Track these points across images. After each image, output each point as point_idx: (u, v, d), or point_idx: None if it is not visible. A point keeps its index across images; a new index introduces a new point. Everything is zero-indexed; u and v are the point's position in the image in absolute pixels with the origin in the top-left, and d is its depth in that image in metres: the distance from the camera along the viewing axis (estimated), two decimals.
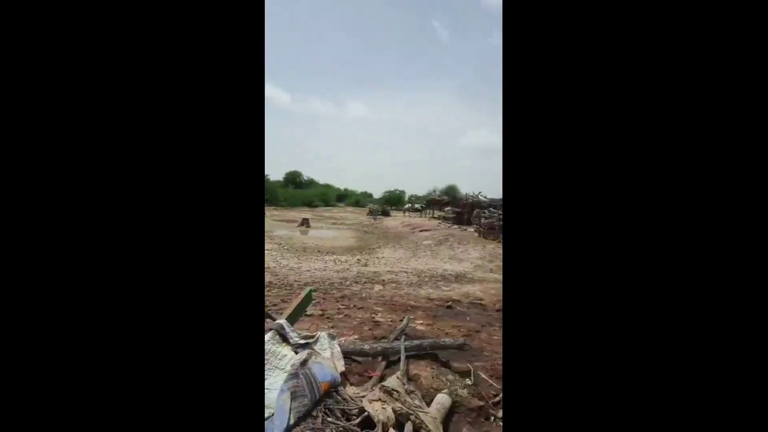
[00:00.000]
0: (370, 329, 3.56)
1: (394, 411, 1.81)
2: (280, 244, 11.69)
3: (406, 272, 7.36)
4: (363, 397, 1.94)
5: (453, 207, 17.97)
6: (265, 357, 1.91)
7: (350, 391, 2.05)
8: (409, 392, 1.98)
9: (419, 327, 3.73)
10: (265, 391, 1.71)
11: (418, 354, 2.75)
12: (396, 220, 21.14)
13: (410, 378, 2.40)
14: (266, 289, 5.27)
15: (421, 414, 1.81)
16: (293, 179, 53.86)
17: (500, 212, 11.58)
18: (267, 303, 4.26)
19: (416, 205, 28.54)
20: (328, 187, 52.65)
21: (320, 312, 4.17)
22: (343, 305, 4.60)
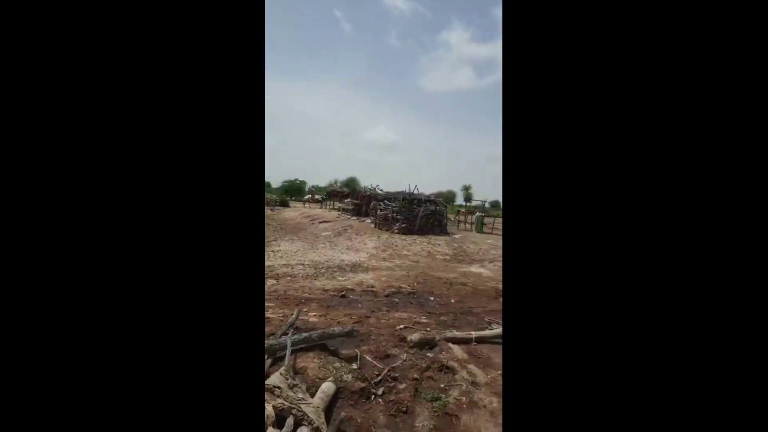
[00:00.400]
0: None
1: (275, 408, 1.78)
2: None
3: (303, 265, 7.20)
4: None
5: (352, 199, 18.32)
6: None
7: None
8: (292, 386, 1.96)
9: (312, 319, 3.71)
10: None
11: (307, 346, 2.75)
12: (295, 211, 20.37)
13: (297, 371, 2.39)
14: None
15: (303, 406, 1.82)
16: None
17: (394, 205, 12.35)
18: None
19: (317, 196, 28.07)
20: None
21: None
22: None
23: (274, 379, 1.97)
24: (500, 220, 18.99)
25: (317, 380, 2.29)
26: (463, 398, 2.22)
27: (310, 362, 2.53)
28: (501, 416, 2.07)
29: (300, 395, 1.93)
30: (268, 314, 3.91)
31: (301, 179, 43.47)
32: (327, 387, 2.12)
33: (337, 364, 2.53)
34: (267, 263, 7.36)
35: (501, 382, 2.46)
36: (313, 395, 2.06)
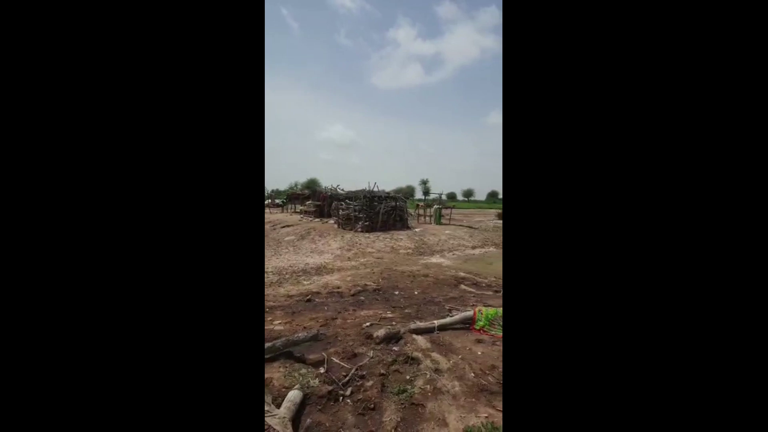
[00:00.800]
0: None
1: None
2: None
3: (266, 272, 6.98)
4: None
5: (314, 200, 17.99)
6: None
7: None
8: None
9: (276, 327, 3.63)
10: None
11: (272, 356, 2.70)
12: None
13: None
14: None
15: (268, 418, 1.80)
16: None
17: (356, 204, 12.33)
18: None
19: (277, 200, 27.17)
20: None
21: None
22: None
23: None
24: (456, 210, 19.68)
25: (283, 390, 2.26)
26: (428, 386, 2.32)
27: (275, 372, 2.49)
28: (463, 398, 2.20)
29: (265, 408, 1.90)
30: None
31: None
32: (293, 395, 2.11)
33: (304, 371, 2.52)
34: None
35: (462, 366, 2.60)
36: (279, 406, 2.03)
